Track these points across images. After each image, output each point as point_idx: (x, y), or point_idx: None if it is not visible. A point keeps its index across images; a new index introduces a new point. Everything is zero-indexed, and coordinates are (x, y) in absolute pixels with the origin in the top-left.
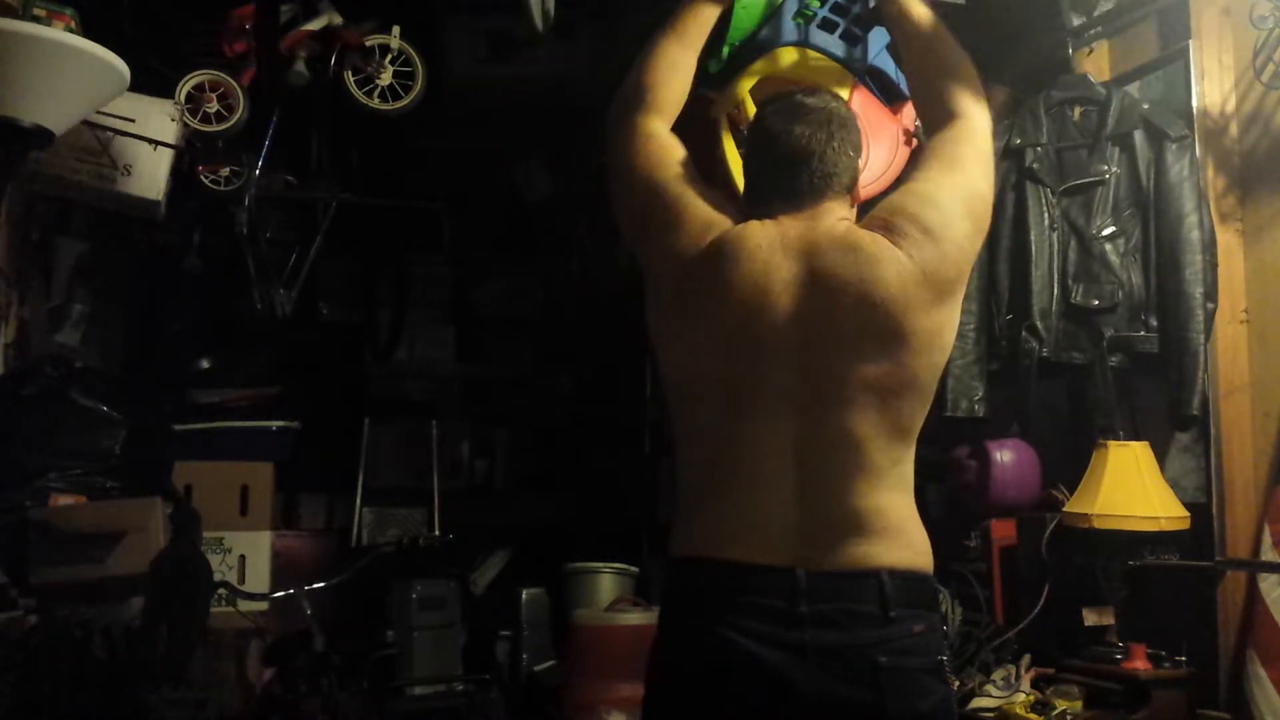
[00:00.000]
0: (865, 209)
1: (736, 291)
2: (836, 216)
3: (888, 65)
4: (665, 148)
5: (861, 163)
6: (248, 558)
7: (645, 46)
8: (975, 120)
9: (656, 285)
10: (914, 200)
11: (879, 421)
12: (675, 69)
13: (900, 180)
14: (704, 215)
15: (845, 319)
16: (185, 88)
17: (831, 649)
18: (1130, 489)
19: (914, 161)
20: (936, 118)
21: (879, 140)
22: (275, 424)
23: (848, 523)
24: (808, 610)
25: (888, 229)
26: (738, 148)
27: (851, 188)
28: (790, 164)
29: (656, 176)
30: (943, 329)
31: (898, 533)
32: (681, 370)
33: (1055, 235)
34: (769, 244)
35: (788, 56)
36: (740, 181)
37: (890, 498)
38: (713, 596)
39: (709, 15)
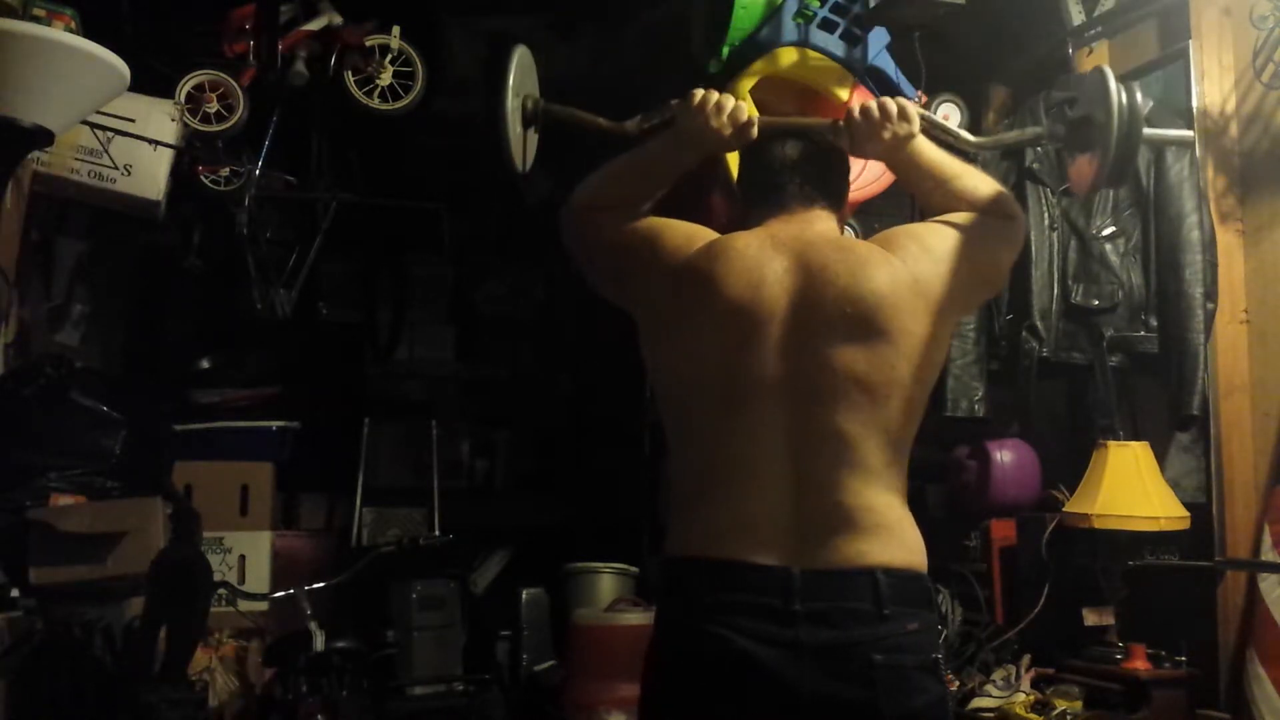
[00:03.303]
0: (865, 210)
1: (728, 288)
2: (827, 225)
3: (888, 65)
4: (624, 212)
5: (858, 168)
6: (248, 558)
7: (605, 165)
8: (1015, 218)
9: (646, 306)
10: (922, 226)
11: (870, 421)
12: (630, 191)
13: (899, 185)
14: (684, 230)
15: (833, 311)
16: (185, 88)
17: (826, 647)
18: (1130, 489)
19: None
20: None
21: None
22: (275, 424)
23: (842, 521)
24: (802, 608)
25: (886, 243)
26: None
27: (841, 202)
28: (781, 172)
29: (624, 225)
30: (931, 340)
31: (891, 531)
32: (675, 373)
33: (1055, 235)
34: (759, 243)
35: (788, 56)
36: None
37: (884, 497)
38: (708, 595)
39: (678, 168)
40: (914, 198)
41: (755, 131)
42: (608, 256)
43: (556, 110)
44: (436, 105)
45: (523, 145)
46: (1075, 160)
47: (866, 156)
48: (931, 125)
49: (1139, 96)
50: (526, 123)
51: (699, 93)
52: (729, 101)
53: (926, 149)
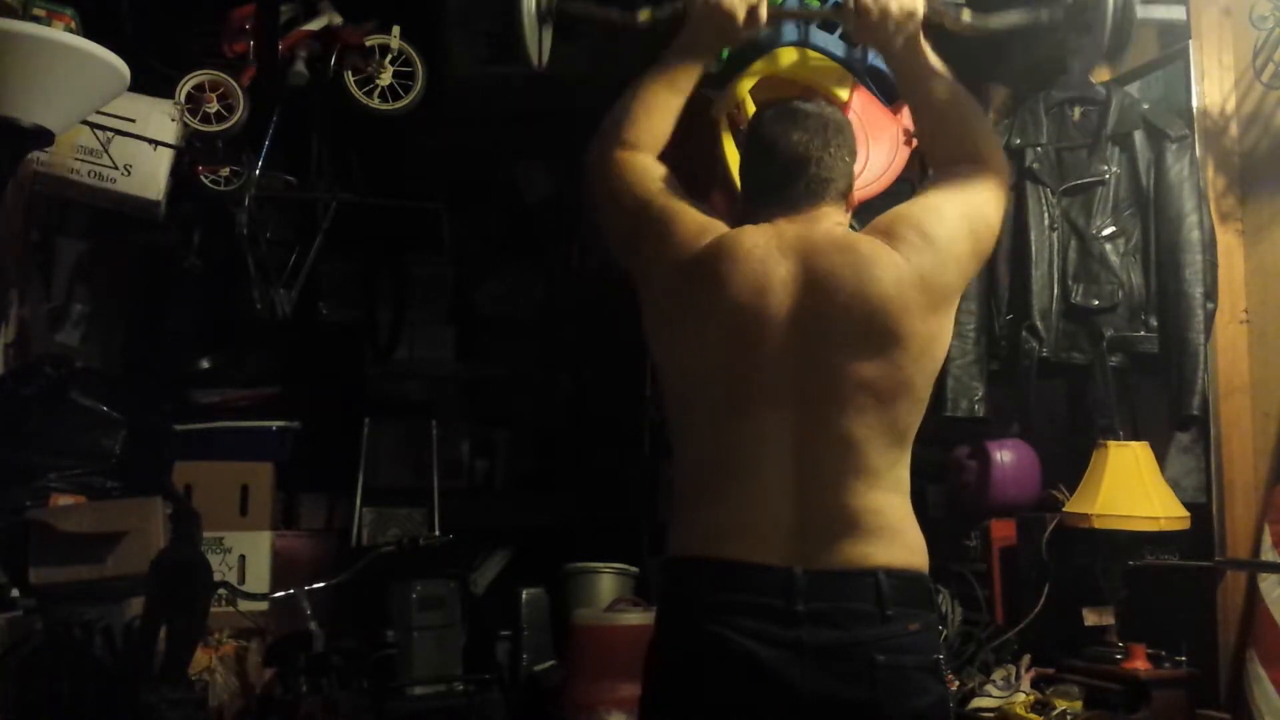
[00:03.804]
0: (865, 210)
1: (733, 291)
2: (833, 221)
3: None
4: (647, 168)
5: (859, 167)
6: (248, 558)
7: (630, 86)
8: (996, 162)
9: (652, 292)
10: (918, 209)
11: (875, 423)
12: (655, 110)
13: (899, 186)
14: (697, 221)
15: (841, 319)
16: (185, 88)
17: (828, 647)
18: (1130, 489)
19: (928, 181)
20: (955, 160)
21: (879, 140)
22: (275, 424)
23: (844, 522)
24: (805, 609)
25: (888, 234)
26: (738, 148)
27: (847, 194)
28: (786, 169)
29: (642, 191)
30: (937, 336)
31: (894, 532)
32: (679, 371)
33: (1055, 235)
34: (765, 244)
35: (788, 56)
36: (739, 183)
37: (887, 498)
38: (710, 595)
39: (695, 64)
40: (908, 106)
41: (765, 12)
42: (622, 222)
43: (570, 5)
44: (436, 105)
45: (538, 40)
46: (1078, 44)
47: (868, 40)
48: (932, 10)
49: None
50: (541, 18)
51: None
52: None
53: (929, 53)
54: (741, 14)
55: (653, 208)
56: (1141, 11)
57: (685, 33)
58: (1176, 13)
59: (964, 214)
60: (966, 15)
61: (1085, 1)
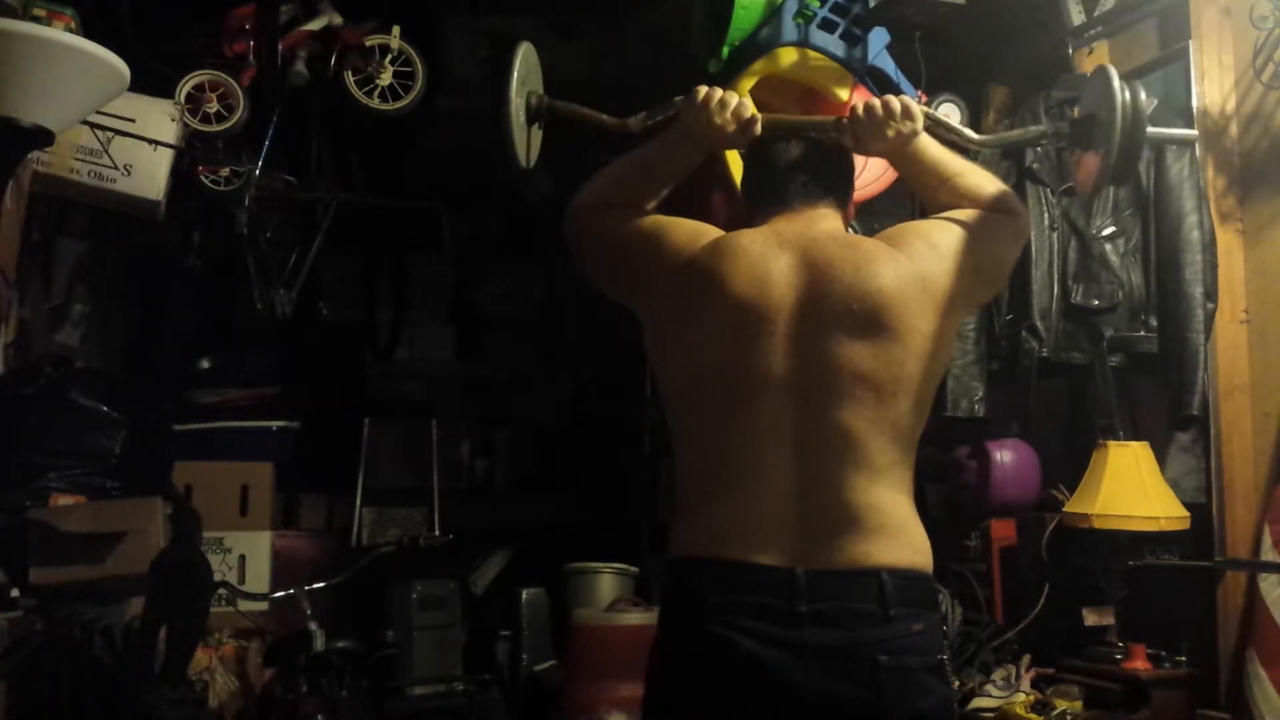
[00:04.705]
0: (865, 210)
1: (733, 285)
2: (832, 222)
3: (888, 65)
4: (627, 214)
5: (859, 167)
6: (248, 558)
7: (613, 161)
8: (1018, 214)
9: (651, 304)
10: (928, 223)
11: (876, 419)
12: (639, 186)
13: (899, 186)
14: (691, 227)
15: (839, 307)
16: (185, 88)
17: (831, 648)
18: (1130, 489)
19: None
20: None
21: None
22: (275, 424)
23: (847, 521)
24: (807, 609)
25: (893, 241)
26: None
27: (846, 201)
28: (786, 171)
29: (627, 218)
30: (938, 337)
31: (897, 532)
32: (680, 371)
33: (1055, 235)
34: (765, 240)
35: (788, 56)
36: (740, 182)
37: (890, 497)
38: (712, 596)
39: (685, 165)
40: (916, 195)
41: (759, 129)
42: (612, 254)
43: (560, 107)
44: (436, 105)
45: (526, 141)
46: (1080, 159)
47: (870, 154)
48: (934, 123)
49: (1143, 95)
50: (530, 119)
51: (702, 89)
52: (732, 98)
53: (930, 146)
54: (732, 129)
55: (642, 226)
56: (1153, 131)
57: (676, 135)
58: (1189, 135)
59: (974, 236)
60: (971, 134)
61: (1094, 120)
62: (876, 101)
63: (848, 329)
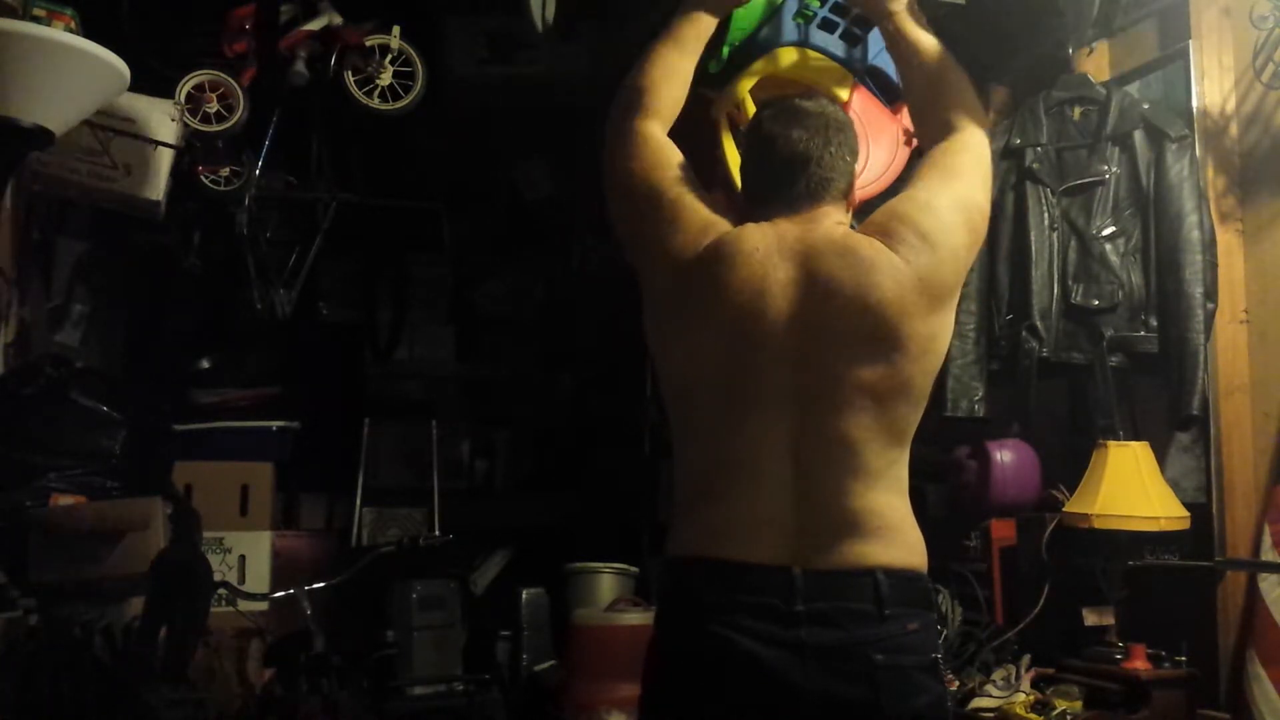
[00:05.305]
0: (865, 210)
1: (734, 294)
2: (833, 220)
3: (888, 65)
4: (663, 151)
5: (860, 166)
6: (248, 558)
7: (644, 52)
8: (973, 133)
9: (654, 289)
10: (912, 206)
11: (874, 424)
12: (672, 75)
13: (899, 187)
14: (702, 217)
15: (841, 322)
16: (185, 88)
17: (828, 647)
18: (1130, 489)
19: (913, 170)
20: (935, 132)
21: (879, 140)
22: (275, 424)
23: (843, 522)
24: (804, 609)
25: (885, 234)
26: (738, 148)
27: (848, 193)
28: (787, 168)
29: (654, 179)
30: (937, 335)
31: (893, 532)
32: (680, 372)
33: (1055, 235)
34: (766, 246)
35: (788, 56)
36: (740, 182)
37: (885, 498)
38: (710, 595)
39: (707, 25)
40: (898, 71)
41: None
42: (630, 205)
43: None
44: (436, 105)
45: (541, 4)
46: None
47: (867, 9)
48: None
49: None
50: None
51: None
52: None
53: (922, 25)
54: None
55: (663, 200)
56: None
57: None
58: None
59: (956, 205)
60: None
61: None
62: None
63: (848, 343)
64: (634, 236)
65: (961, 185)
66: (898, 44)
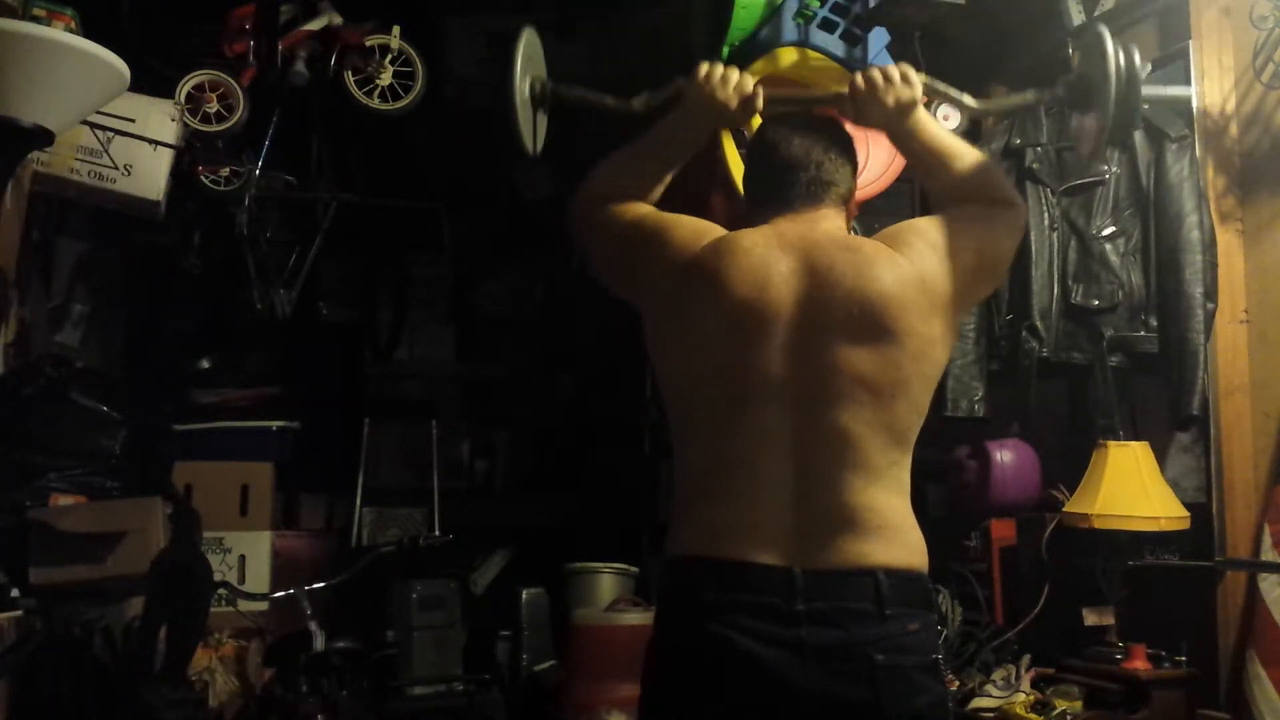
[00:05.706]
0: (865, 210)
1: (735, 286)
2: (833, 224)
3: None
4: (629, 203)
5: (859, 173)
6: (248, 558)
7: (619, 150)
8: (1012, 202)
9: (653, 301)
10: (927, 221)
11: (874, 421)
12: (642, 177)
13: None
14: (694, 225)
15: (839, 311)
16: (185, 88)
17: (828, 647)
18: (1130, 489)
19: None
20: (970, 200)
21: (879, 141)
22: (275, 424)
23: (844, 522)
24: (804, 608)
25: (891, 240)
26: (738, 148)
27: (848, 200)
28: (788, 170)
29: (632, 213)
30: (937, 340)
31: (894, 532)
32: (680, 372)
33: (1055, 235)
34: (765, 242)
35: (788, 56)
36: (740, 182)
37: (886, 497)
38: (710, 595)
39: (689, 145)
40: (917, 177)
41: (760, 103)
42: (615, 247)
43: (565, 90)
44: (436, 105)
45: (533, 127)
46: (1079, 123)
47: (870, 125)
48: (934, 91)
49: (1137, 55)
50: (535, 104)
51: (705, 66)
52: (734, 74)
53: (930, 122)
54: (735, 105)
55: (646, 222)
56: (1148, 90)
57: (679, 114)
58: (1184, 92)
59: (973, 236)
60: (970, 100)
61: (1088, 81)
62: (876, 70)
63: (848, 333)
64: (625, 270)
65: (983, 228)
66: (912, 156)
